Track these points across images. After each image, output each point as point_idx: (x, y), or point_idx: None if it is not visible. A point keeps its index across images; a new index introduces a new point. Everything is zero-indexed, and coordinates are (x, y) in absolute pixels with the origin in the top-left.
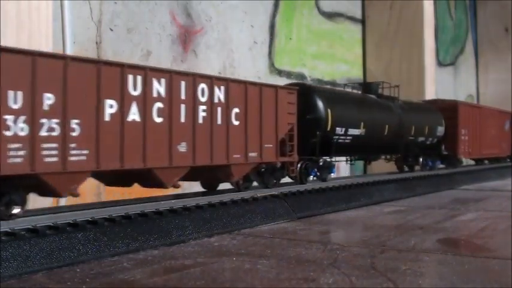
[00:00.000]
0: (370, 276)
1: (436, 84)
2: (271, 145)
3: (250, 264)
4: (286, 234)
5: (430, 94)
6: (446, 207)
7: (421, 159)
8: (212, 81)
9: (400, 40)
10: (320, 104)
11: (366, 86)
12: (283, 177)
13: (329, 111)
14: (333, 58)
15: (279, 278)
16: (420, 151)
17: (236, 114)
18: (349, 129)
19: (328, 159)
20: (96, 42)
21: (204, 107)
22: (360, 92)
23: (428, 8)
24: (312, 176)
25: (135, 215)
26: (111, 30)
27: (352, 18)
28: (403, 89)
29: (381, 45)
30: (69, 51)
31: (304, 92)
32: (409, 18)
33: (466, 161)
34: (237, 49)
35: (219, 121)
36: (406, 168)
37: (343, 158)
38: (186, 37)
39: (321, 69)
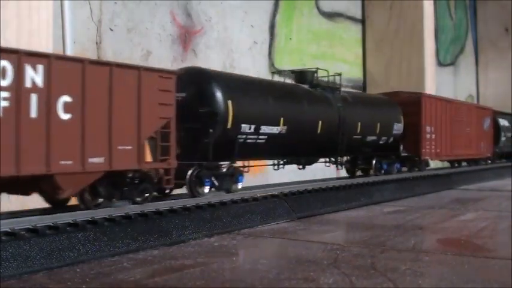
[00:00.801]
0: (370, 276)
1: (436, 84)
2: (129, 147)
3: (250, 264)
4: (286, 234)
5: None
6: (446, 207)
7: (374, 162)
8: (20, 57)
9: (400, 40)
10: (218, 94)
11: (298, 75)
12: (165, 189)
13: (230, 103)
14: (333, 58)
15: (279, 278)
16: (372, 152)
17: (66, 104)
18: (262, 127)
19: (235, 165)
20: (96, 43)
21: (5, 94)
22: (291, 82)
23: (428, 8)
24: (207, 187)
25: (135, 215)
26: (111, 30)
27: (352, 18)
28: (402, 88)
29: (381, 45)
30: (69, 52)
31: (198, 79)
32: (409, 18)
33: (443, 164)
34: (237, 49)
35: (33, 114)
36: (358, 173)
37: (275, 162)
38: (186, 37)
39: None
